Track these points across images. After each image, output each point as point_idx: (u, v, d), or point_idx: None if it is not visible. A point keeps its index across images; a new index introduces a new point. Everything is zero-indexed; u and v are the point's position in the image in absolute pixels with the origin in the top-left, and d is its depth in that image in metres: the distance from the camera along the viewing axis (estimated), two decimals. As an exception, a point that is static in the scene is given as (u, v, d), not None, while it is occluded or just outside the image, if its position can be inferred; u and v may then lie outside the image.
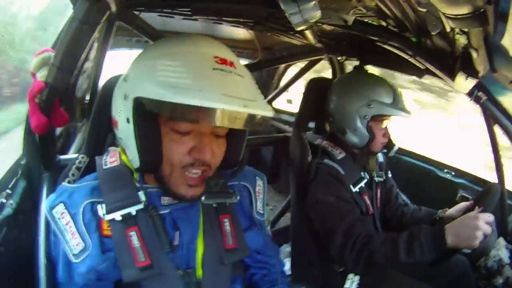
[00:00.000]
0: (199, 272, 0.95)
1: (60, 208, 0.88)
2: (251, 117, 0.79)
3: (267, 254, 1.12)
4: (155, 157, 0.87)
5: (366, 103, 1.54)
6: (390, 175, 1.84)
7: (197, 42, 0.87)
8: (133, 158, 0.88)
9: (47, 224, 0.95)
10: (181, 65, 0.80)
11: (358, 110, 1.56)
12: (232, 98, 0.76)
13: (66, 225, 0.87)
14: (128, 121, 0.85)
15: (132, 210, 0.89)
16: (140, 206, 0.90)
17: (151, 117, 0.84)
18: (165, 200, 0.94)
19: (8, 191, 1.11)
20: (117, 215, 0.88)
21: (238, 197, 1.02)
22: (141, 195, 0.90)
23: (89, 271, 0.86)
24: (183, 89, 0.75)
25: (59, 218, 0.88)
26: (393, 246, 1.32)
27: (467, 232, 1.22)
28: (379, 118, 1.56)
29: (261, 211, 1.12)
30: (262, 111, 0.81)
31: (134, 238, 0.87)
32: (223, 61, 0.82)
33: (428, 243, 1.27)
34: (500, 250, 1.36)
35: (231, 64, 0.83)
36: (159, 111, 0.80)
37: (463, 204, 1.55)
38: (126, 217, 0.88)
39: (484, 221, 1.21)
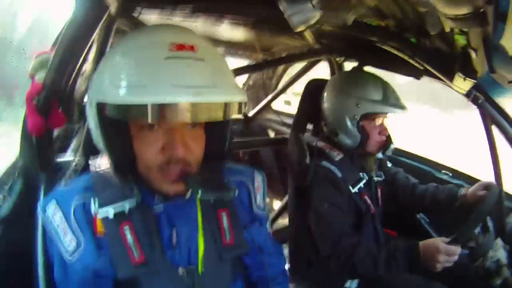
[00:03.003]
0: (201, 269, 0.93)
1: (52, 206, 0.87)
2: (219, 105, 0.74)
3: (267, 252, 1.09)
4: (126, 160, 0.84)
5: (354, 103, 1.53)
6: (389, 165, 1.83)
7: (153, 31, 0.83)
8: (109, 162, 0.85)
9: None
10: (131, 61, 0.76)
11: (347, 111, 1.55)
12: (182, 88, 0.70)
13: (59, 222, 0.86)
14: (96, 126, 0.82)
15: (125, 205, 0.86)
16: (133, 201, 0.86)
17: (118, 120, 0.79)
18: (160, 197, 0.90)
19: (5, 191, 1.10)
20: (110, 210, 0.84)
21: (237, 192, 0.96)
22: (134, 191, 0.87)
23: (85, 269, 0.84)
24: (128, 88, 0.71)
25: (52, 217, 0.86)
26: (373, 262, 1.42)
27: (429, 261, 1.34)
28: (371, 116, 1.55)
29: (262, 205, 1.09)
30: (222, 96, 0.75)
31: (128, 234, 0.84)
32: (180, 47, 0.75)
33: (403, 262, 1.39)
34: (498, 251, 1.36)
35: (191, 48, 0.76)
36: (115, 115, 0.75)
37: (481, 184, 1.55)
38: (119, 212, 0.85)
39: (446, 254, 1.31)
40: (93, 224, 0.86)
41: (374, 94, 1.54)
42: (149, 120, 0.74)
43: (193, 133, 0.85)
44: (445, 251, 1.31)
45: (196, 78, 0.74)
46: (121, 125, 0.81)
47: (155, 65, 0.73)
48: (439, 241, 1.34)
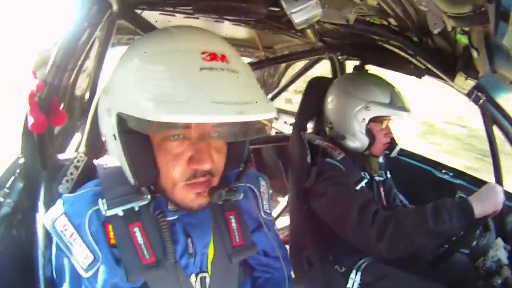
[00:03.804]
0: (210, 274, 0.92)
1: (62, 220, 0.81)
2: (252, 122, 0.71)
3: (273, 256, 1.09)
4: (150, 172, 0.80)
5: (364, 106, 1.53)
6: (389, 176, 1.83)
7: (182, 36, 0.78)
8: (128, 174, 0.82)
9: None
10: (163, 70, 0.70)
11: (355, 114, 1.55)
12: (225, 106, 0.67)
13: (71, 237, 0.80)
14: (115, 137, 0.78)
15: (135, 205, 0.83)
16: (144, 202, 0.83)
17: (139, 131, 0.76)
18: (173, 205, 0.88)
19: (6, 190, 1.10)
20: (119, 210, 0.81)
21: (242, 195, 0.97)
22: (145, 192, 0.84)
23: (105, 285, 0.79)
24: (166, 103, 0.66)
25: (61, 231, 0.81)
26: (419, 215, 1.29)
27: (492, 198, 1.27)
28: (378, 119, 1.55)
29: (268, 211, 1.08)
30: (263, 113, 0.72)
31: (138, 235, 0.81)
32: (213, 57, 0.72)
33: (456, 211, 1.26)
34: (498, 251, 1.36)
35: (223, 58, 0.73)
36: (143, 130, 0.72)
37: None
38: (128, 212, 0.82)
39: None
40: (107, 235, 0.82)
41: (382, 97, 1.53)
42: (181, 136, 0.74)
43: (216, 144, 0.83)
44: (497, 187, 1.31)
45: (235, 93, 0.71)
46: (142, 137, 0.77)
47: (191, 77, 0.69)
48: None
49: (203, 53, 0.72)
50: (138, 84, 0.70)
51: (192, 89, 0.67)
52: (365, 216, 1.36)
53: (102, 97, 0.83)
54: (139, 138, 0.77)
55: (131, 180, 0.81)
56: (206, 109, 0.66)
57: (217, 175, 0.85)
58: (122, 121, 0.74)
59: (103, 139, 0.87)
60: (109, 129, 0.80)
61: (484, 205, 1.26)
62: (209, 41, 0.77)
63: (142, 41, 0.82)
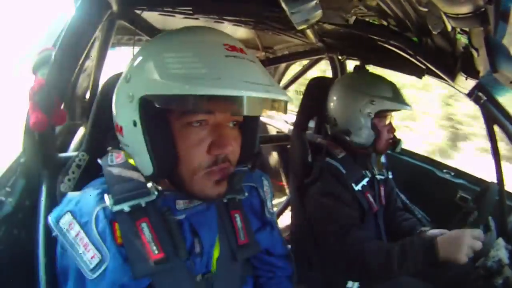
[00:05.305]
0: (214, 272, 0.91)
1: (67, 218, 0.79)
2: (271, 103, 0.76)
3: (276, 255, 1.10)
4: (170, 159, 0.79)
5: (369, 100, 1.55)
6: (390, 176, 1.83)
7: (203, 31, 0.83)
8: (144, 164, 0.80)
9: (46, 223, 0.94)
10: (192, 55, 0.74)
11: (361, 109, 1.56)
12: (253, 84, 0.72)
13: (76, 236, 0.78)
14: (135, 124, 0.78)
15: (142, 201, 0.81)
16: (151, 198, 0.82)
17: (160, 116, 0.78)
18: (180, 204, 0.87)
19: (7, 189, 1.11)
20: (125, 206, 0.80)
21: (246, 194, 0.97)
22: (152, 188, 0.83)
23: (113, 286, 0.77)
24: (200, 80, 0.69)
25: (67, 230, 0.79)
26: (387, 258, 1.33)
27: (454, 247, 1.22)
28: (382, 114, 1.57)
29: (271, 210, 1.09)
30: (283, 96, 0.77)
31: (146, 230, 0.80)
32: (234, 48, 0.77)
33: (420, 258, 1.28)
34: (499, 251, 1.36)
35: (241, 50, 0.78)
36: (172, 106, 0.75)
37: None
38: (135, 208, 0.81)
39: (471, 237, 1.22)
40: (113, 231, 0.80)
41: (386, 92, 1.56)
42: (203, 123, 0.78)
43: (233, 132, 0.85)
44: (470, 233, 1.23)
45: (259, 77, 0.76)
46: (164, 122, 0.79)
47: (219, 60, 0.74)
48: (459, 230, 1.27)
49: (225, 44, 0.77)
50: (167, 67, 0.74)
51: (222, 70, 0.72)
52: (344, 245, 1.40)
53: (121, 86, 0.83)
54: (161, 124, 0.78)
55: (149, 170, 0.80)
56: (240, 85, 0.71)
57: (234, 164, 0.86)
58: (145, 105, 0.76)
59: (118, 128, 0.86)
60: (128, 117, 0.80)
61: (448, 254, 1.23)
62: (227, 37, 0.82)
63: (159, 37, 0.85)
